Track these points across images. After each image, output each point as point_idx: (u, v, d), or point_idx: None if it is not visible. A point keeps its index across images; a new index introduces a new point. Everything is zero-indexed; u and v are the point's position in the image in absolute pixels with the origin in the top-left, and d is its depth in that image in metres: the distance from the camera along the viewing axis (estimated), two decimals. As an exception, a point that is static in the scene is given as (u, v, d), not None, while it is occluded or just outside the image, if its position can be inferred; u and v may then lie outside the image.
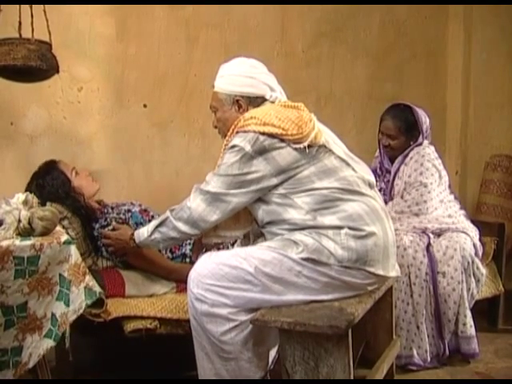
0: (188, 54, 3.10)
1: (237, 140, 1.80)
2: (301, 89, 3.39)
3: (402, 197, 2.68)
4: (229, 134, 1.88)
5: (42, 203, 2.20)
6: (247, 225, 2.11)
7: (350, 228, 1.75)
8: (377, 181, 2.89)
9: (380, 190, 2.84)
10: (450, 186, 2.77)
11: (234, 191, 1.81)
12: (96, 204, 2.48)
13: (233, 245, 2.31)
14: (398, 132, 2.71)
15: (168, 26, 3.03)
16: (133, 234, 2.06)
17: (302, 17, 3.37)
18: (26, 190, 2.27)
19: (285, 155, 1.78)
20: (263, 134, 1.76)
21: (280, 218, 1.82)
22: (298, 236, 1.77)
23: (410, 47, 3.67)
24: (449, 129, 3.74)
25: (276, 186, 1.81)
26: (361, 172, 1.89)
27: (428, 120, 2.75)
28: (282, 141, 1.77)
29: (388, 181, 2.80)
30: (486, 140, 3.71)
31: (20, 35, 2.25)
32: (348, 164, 1.86)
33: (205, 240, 2.14)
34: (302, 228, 1.78)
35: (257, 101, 1.93)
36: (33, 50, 2.18)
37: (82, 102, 2.85)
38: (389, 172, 2.81)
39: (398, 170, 2.73)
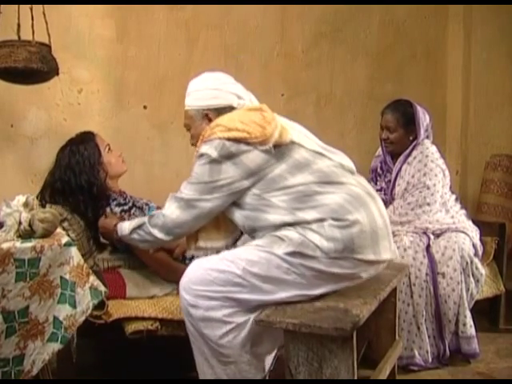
0: (188, 55, 3.10)
1: (204, 148, 1.82)
2: (301, 89, 3.40)
3: (403, 197, 2.67)
4: (198, 144, 1.91)
5: (71, 171, 2.33)
6: (228, 235, 2.11)
7: (333, 219, 1.74)
8: (377, 180, 2.88)
9: (380, 190, 2.83)
10: (450, 187, 2.76)
11: (207, 196, 1.83)
12: (117, 186, 2.50)
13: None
14: (396, 124, 2.68)
15: (168, 28, 3.04)
16: (116, 226, 2.09)
17: (302, 17, 3.37)
18: (57, 154, 2.39)
19: (253, 158, 1.79)
20: (229, 139, 1.78)
21: (261, 221, 1.82)
22: (283, 232, 1.77)
23: (410, 47, 3.67)
24: (449, 128, 3.74)
25: (249, 188, 1.82)
26: (338, 160, 1.88)
27: (428, 118, 2.73)
28: (248, 144, 1.78)
29: (389, 180, 2.79)
30: (486, 140, 3.71)
31: (19, 37, 2.25)
32: (322, 155, 1.86)
33: (187, 254, 2.20)
34: (285, 226, 1.78)
35: (225, 110, 1.93)
36: (33, 52, 2.18)
37: (82, 104, 2.85)
38: (390, 172, 2.79)
39: (401, 169, 2.71)
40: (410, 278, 2.44)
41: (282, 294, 1.74)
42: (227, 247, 2.10)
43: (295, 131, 1.89)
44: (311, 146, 1.87)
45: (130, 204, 2.41)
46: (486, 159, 3.47)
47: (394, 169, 2.76)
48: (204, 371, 1.81)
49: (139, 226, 1.98)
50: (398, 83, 3.61)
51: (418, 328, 2.44)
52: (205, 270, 1.78)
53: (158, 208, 2.43)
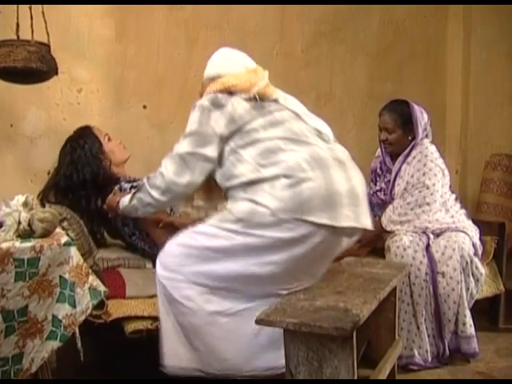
0: (187, 54, 3.10)
1: (198, 101, 1.92)
2: (300, 89, 3.38)
3: (402, 197, 2.66)
4: None
5: (73, 166, 2.36)
6: (221, 196, 2.13)
7: (285, 176, 1.75)
8: (377, 181, 2.88)
9: (380, 190, 2.83)
10: (450, 186, 2.76)
11: (200, 149, 1.88)
12: (124, 171, 2.53)
13: None
14: (394, 125, 2.69)
15: (167, 27, 3.03)
16: (119, 202, 2.12)
17: (302, 17, 3.37)
18: (59, 154, 2.43)
19: (236, 105, 1.87)
20: (220, 91, 1.89)
21: (231, 180, 1.87)
22: (232, 205, 1.83)
23: (410, 47, 3.67)
24: (449, 128, 3.74)
25: (227, 141, 1.87)
26: (313, 124, 1.91)
27: (426, 117, 2.73)
28: (235, 93, 1.88)
29: (389, 180, 2.78)
30: (486, 139, 3.71)
31: (18, 37, 2.25)
32: (300, 117, 1.91)
33: (182, 209, 2.28)
34: (247, 184, 1.82)
35: None
36: (33, 52, 2.18)
37: (81, 104, 2.85)
38: (389, 172, 2.79)
39: (400, 169, 2.71)
40: (409, 277, 2.44)
41: (237, 265, 1.78)
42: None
43: (283, 97, 1.97)
44: (294, 108, 1.94)
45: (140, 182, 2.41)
46: (486, 158, 3.48)
47: (393, 169, 2.76)
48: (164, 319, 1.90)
49: (138, 190, 2.03)
50: (397, 83, 3.61)
51: (418, 327, 2.44)
52: (175, 245, 1.90)
53: None
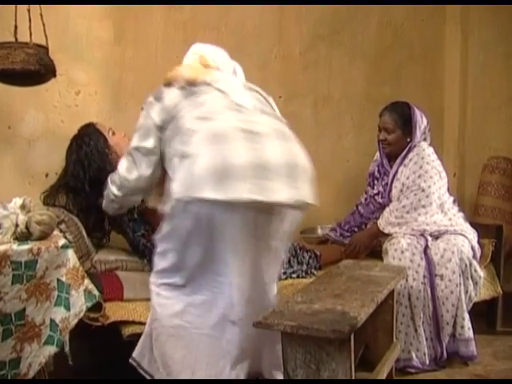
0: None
1: None
2: (298, 91, 3.40)
3: (399, 199, 2.67)
4: None
5: (80, 164, 2.39)
6: None
7: (185, 158, 1.70)
8: (374, 184, 2.89)
9: (378, 194, 2.84)
10: (448, 189, 2.76)
11: (142, 143, 1.92)
12: None
13: None
14: (394, 125, 2.70)
15: (165, 29, 3.03)
16: None
17: (300, 19, 3.37)
18: (66, 154, 2.46)
19: (169, 96, 1.90)
20: (164, 85, 1.95)
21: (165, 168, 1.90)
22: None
23: (408, 49, 3.67)
24: (446, 131, 3.74)
25: (165, 136, 1.88)
26: (237, 99, 1.85)
27: (426, 121, 2.75)
28: (172, 85, 1.93)
29: (386, 183, 2.79)
30: (483, 142, 3.72)
31: (16, 39, 2.25)
32: (226, 95, 1.87)
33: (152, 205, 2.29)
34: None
35: None
36: (31, 54, 2.18)
37: (79, 106, 2.84)
38: (387, 174, 2.80)
39: (397, 171, 2.72)
40: (407, 280, 2.44)
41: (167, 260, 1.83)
42: None
43: (220, 78, 1.94)
44: (223, 87, 1.90)
45: None
46: (484, 161, 3.48)
47: (390, 171, 2.77)
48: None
49: (106, 187, 2.09)
50: (395, 85, 3.61)
51: (416, 330, 2.44)
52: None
53: None
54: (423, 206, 2.57)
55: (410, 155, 2.69)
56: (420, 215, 2.58)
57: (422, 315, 2.45)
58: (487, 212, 3.36)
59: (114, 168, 2.39)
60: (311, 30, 3.40)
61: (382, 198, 2.82)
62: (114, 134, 2.52)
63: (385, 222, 2.64)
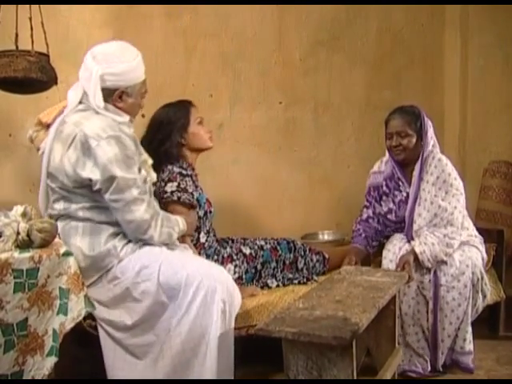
0: (186, 63, 3.11)
1: None
2: (298, 97, 3.40)
3: (431, 222, 2.49)
4: None
5: (156, 127, 2.41)
6: None
7: None
8: (381, 200, 2.68)
9: (390, 212, 2.64)
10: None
11: None
12: (193, 159, 2.49)
13: None
14: (408, 128, 2.51)
15: (165, 37, 3.04)
16: None
17: (299, 25, 3.38)
18: (155, 113, 2.46)
19: None
20: None
21: None
22: None
23: (407, 55, 3.68)
24: (447, 135, 3.73)
25: None
26: None
27: (432, 129, 2.63)
28: None
29: (401, 200, 2.60)
30: (484, 146, 3.71)
31: (17, 47, 2.26)
32: None
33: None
34: None
35: None
36: (33, 62, 2.19)
37: (80, 113, 2.84)
38: (398, 189, 2.61)
39: (419, 188, 2.51)
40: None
41: None
42: None
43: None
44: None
45: (189, 172, 2.39)
46: (484, 166, 3.47)
47: (405, 185, 2.58)
48: None
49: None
50: (395, 90, 3.61)
51: (404, 338, 2.41)
52: None
53: (208, 201, 2.45)
54: (453, 238, 2.45)
55: (429, 168, 2.52)
56: (449, 246, 2.43)
57: (424, 322, 2.41)
58: (488, 216, 3.34)
59: (171, 149, 2.39)
60: (311, 36, 3.41)
61: (396, 216, 2.62)
62: (200, 123, 2.48)
63: (431, 253, 2.39)
